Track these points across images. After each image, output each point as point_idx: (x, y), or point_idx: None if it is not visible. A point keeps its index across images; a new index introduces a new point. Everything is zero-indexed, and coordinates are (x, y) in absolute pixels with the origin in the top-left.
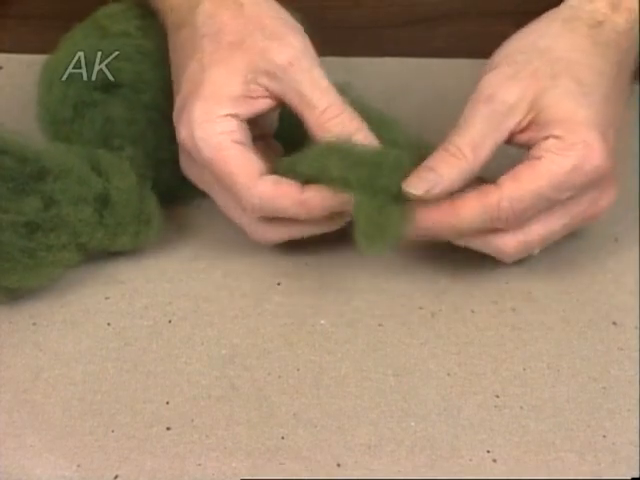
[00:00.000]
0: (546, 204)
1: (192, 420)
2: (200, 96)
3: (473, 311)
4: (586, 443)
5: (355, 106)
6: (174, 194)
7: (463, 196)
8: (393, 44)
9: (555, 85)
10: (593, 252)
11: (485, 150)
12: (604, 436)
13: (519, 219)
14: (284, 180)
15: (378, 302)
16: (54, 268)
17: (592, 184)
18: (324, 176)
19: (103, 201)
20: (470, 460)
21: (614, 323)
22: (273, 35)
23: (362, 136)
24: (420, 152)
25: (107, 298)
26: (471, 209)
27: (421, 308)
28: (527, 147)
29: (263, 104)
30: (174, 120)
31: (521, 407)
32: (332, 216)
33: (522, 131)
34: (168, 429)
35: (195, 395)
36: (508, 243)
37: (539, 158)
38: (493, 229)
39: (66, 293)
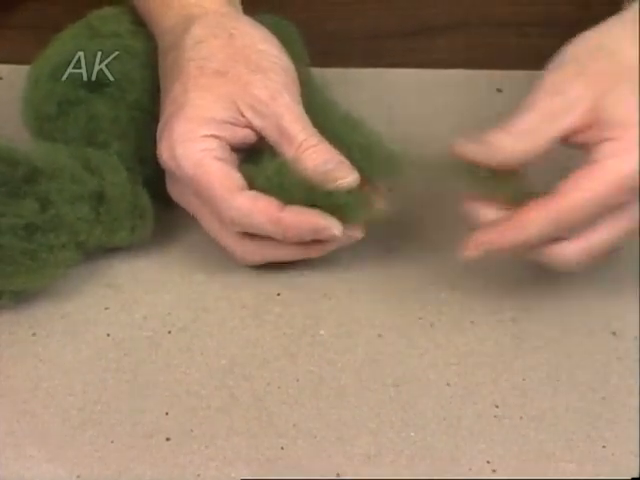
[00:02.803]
0: (607, 209)
1: (191, 430)
2: (182, 117)
3: (472, 322)
4: (586, 453)
5: (321, 108)
6: (158, 193)
7: (525, 208)
8: (393, 55)
9: (618, 87)
10: (592, 262)
11: (541, 139)
12: (604, 446)
13: (582, 225)
14: (263, 196)
15: (377, 312)
16: (56, 268)
17: None
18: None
19: (98, 198)
20: (470, 470)
21: (613, 333)
22: (258, 69)
23: (333, 166)
24: (383, 153)
25: (107, 309)
26: (535, 219)
27: (420, 318)
28: (585, 148)
29: (245, 135)
30: (157, 141)
31: (521, 417)
32: (309, 243)
33: (582, 130)
34: (168, 439)
35: (194, 405)
36: (571, 251)
37: (599, 162)
38: (554, 238)
39: (66, 304)
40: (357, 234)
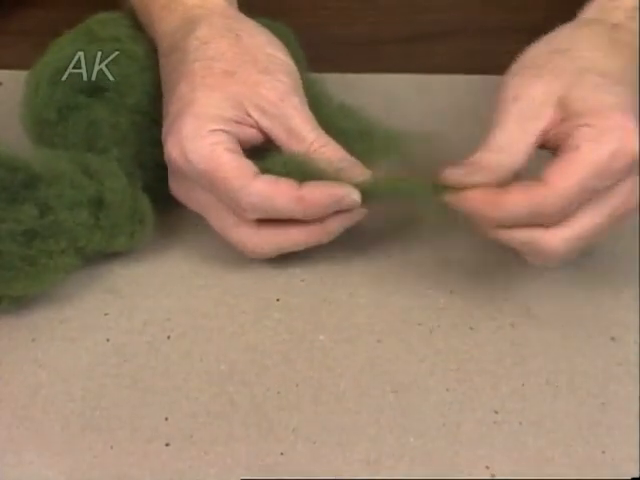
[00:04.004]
0: (589, 195)
1: (191, 436)
2: (190, 114)
3: (472, 327)
4: (585, 459)
5: (316, 98)
6: (158, 198)
7: (508, 188)
8: (392, 60)
9: (581, 79)
10: (592, 267)
11: (521, 149)
12: (603, 452)
13: (565, 212)
14: (280, 178)
15: (377, 318)
16: (55, 274)
17: (630, 169)
18: None
19: (98, 203)
20: (469, 475)
21: (613, 339)
22: (266, 70)
23: (347, 164)
24: (381, 136)
25: (106, 314)
26: (516, 201)
27: (420, 324)
28: (556, 144)
29: (252, 134)
30: (163, 141)
31: (520, 423)
32: (325, 222)
33: (554, 127)
34: (167, 445)
35: (194, 411)
36: (554, 239)
37: (577, 148)
38: (537, 226)
39: (65, 309)
40: (361, 210)
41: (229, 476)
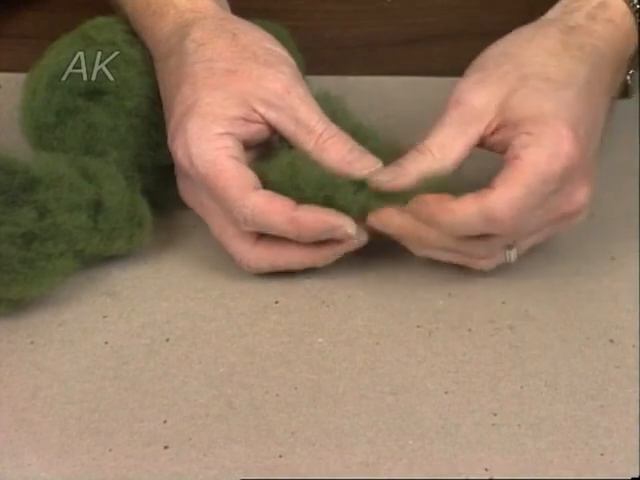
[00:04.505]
0: (538, 202)
1: (190, 439)
2: (195, 114)
3: (470, 330)
4: (584, 461)
5: (338, 117)
6: (156, 201)
7: (458, 198)
8: (390, 63)
9: (524, 85)
10: (590, 270)
11: (455, 151)
12: (602, 454)
13: (516, 222)
14: (278, 196)
15: (375, 321)
16: (54, 276)
17: (567, 174)
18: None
19: (96, 207)
20: (468, 478)
21: (611, 341)
22: (267, 63)
23: (356, 155)
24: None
25: (105, 317)
26: (466, 208)
27: (418, 327)
28: (501, 149)
29: (258, 130)
30: (169, 143)
31: (519, 425)
32: (321, 246)
33: (493, 133)
34: (166, 448)
35: (193, 414)
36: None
37: (518, 157)
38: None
39: (64, 312)
40: (363, 237)
41: (228, 478)
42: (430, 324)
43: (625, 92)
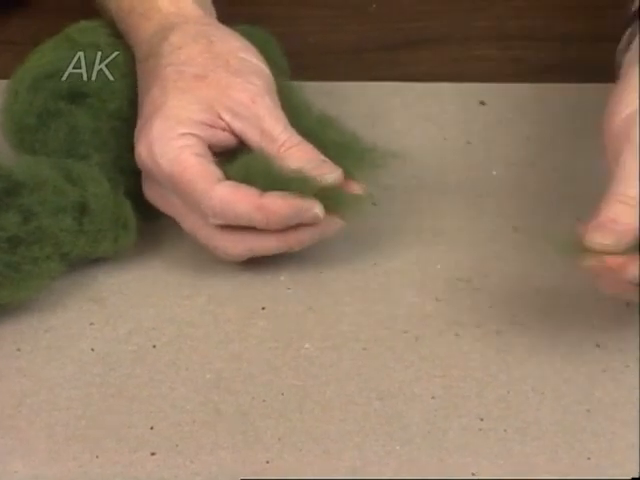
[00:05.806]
0: None
1: (177, 445)
2: (160, 116)
3: (457, 334)
4: (570, 465)
5: (295, 108)
6: (139, 203)
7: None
8: (376, 68)
9: None
10: (576, 276)
11: None
12: (588, 458)
13: None
14: (243, 185)
15: (362, 326)
16: (40, 280)
17: None
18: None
19: (81, 209)
20: None
21: (598, 345)
22: (237, 73)
23: (315, 164)
24: (359, 149)
25: (91, 323)
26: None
27: (405, 332)
28: None
29: (224, 137)
30: (135, 142)
31: (505, 430)
32: (297, 229)
33: None
34: (153, 454)
35: (179, 420)
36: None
37: None
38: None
39: (50, 318)
40: (337, 222)
41: None
42: (417, 329)
43: None
